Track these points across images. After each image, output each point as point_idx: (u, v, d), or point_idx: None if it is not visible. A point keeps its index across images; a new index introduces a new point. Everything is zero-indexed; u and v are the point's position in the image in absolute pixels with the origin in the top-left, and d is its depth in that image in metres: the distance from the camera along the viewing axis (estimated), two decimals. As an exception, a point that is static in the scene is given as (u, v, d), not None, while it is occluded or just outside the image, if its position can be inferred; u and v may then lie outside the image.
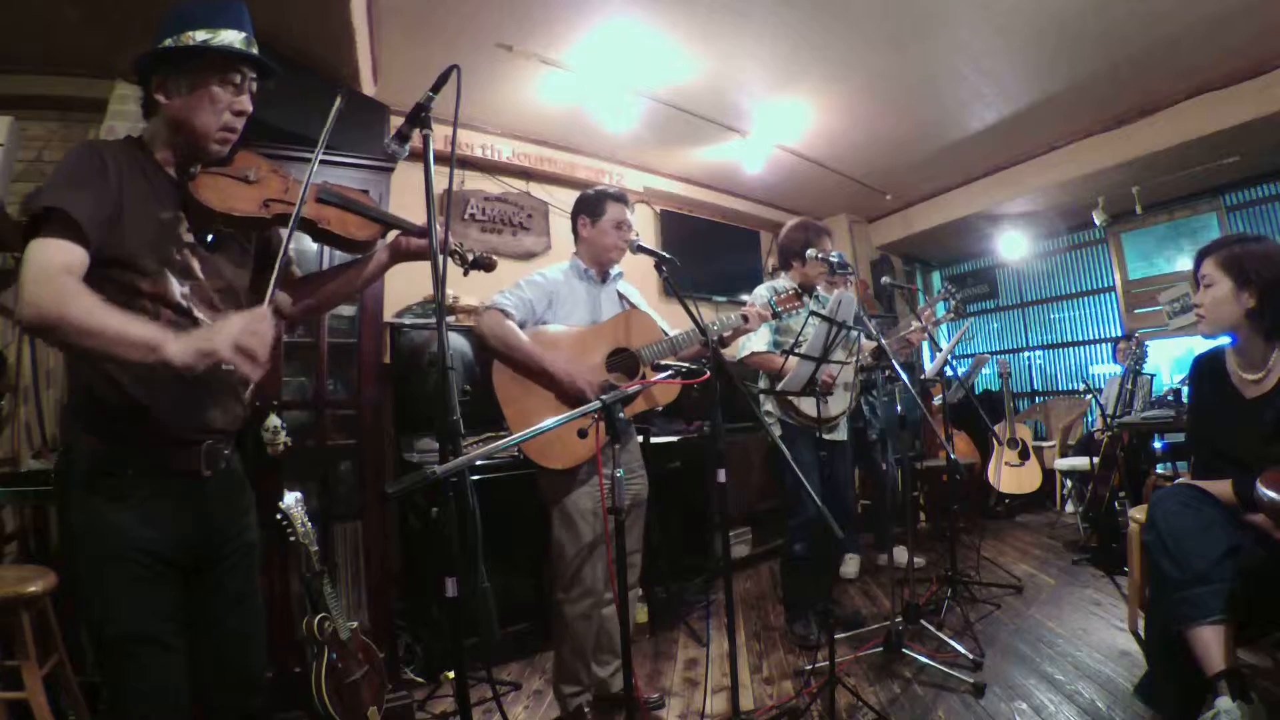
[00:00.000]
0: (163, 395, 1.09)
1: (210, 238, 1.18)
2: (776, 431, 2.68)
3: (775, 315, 2.23)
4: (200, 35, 1.10)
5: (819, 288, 2.83)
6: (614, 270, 2.21)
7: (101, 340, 0.96)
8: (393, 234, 1.41)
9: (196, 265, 1.15)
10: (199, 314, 1.15)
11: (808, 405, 2.55)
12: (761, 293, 2.74)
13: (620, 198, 2.17)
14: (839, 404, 2.69)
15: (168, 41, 1.10)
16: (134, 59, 1.13)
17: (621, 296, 2.22)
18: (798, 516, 2.66)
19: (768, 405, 2.71)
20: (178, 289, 1.12)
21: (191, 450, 1.13)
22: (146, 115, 1.17)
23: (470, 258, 1.43)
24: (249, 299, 1.26)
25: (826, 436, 2.69)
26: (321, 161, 2.39)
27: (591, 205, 2.16)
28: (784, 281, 2.82)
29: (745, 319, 2.15)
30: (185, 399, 1.12)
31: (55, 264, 0.97)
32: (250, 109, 1.18)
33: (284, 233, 1.14)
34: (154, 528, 1.08)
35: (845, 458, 2.91)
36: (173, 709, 1.07)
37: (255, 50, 1.16)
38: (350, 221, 1.29)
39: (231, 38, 1.12)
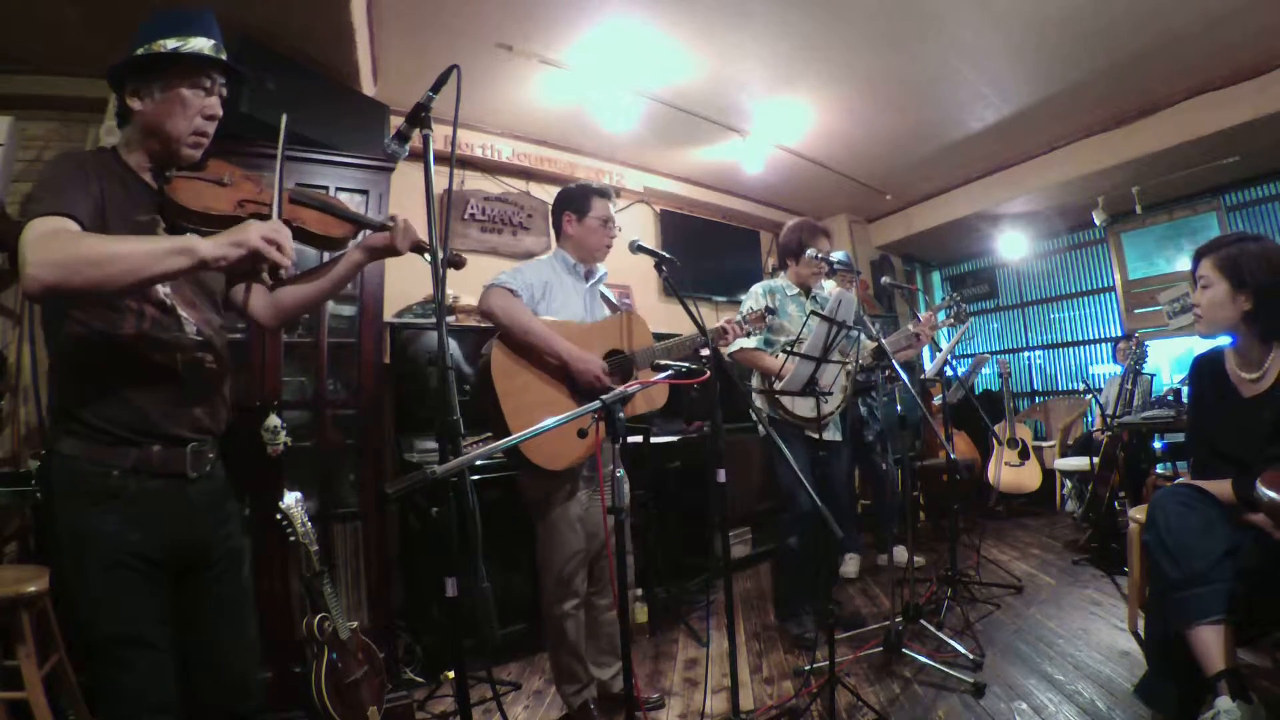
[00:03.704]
0: (149, 392, 1.10)
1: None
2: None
3: (747, 334, 2.25)
4: (171, 43, 1.15)
5: (829, 285, 2.83)
6: (599, 271, 2.20)
7: (130, 261, 0.97)
8: (364, 233, 1.43)
9: None
10: (181, 312, 1.17)
11: (797, 405, 2.54)
12: (756, 290, 2.77)
13: (604, 193, 2.15)
14: (830, 404, 2.67)
15: (139, 50, 1.14)
16: (108, 69, 1.16)
17: (604, 299, 2.22)
18: (790, 511, 2.66)
19: (757, 404, 2.71)
20: (160, 288, 1.14)
21: (177, 451, 1.14)
22: (121, 124, 1.19)
23: (440, 255, 1.43)
24: (223, 304, 1.30)
25: (819, 436, 2.68)
26: (323, 161, 2.42)
27: (577, 201, 2.13)
28: (780, 280, 2.83)
29: (724, 332, 2.15)
30: (171, 396, 1.13)
31: (52, 229, 0.98)
32: (220, 113, 1.22)
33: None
34: (141, 529, 1.08)
35: (840, 457, 2.91)
36: (161, 711, 1.07)
37: (224, 56, 1.20)
38: (323, 221, 1.33)
39: (201, 44, 1.17)
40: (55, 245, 0.95)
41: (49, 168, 1.10)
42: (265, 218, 1.15)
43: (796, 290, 2.80)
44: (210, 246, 1.02)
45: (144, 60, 1.14)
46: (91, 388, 1.07)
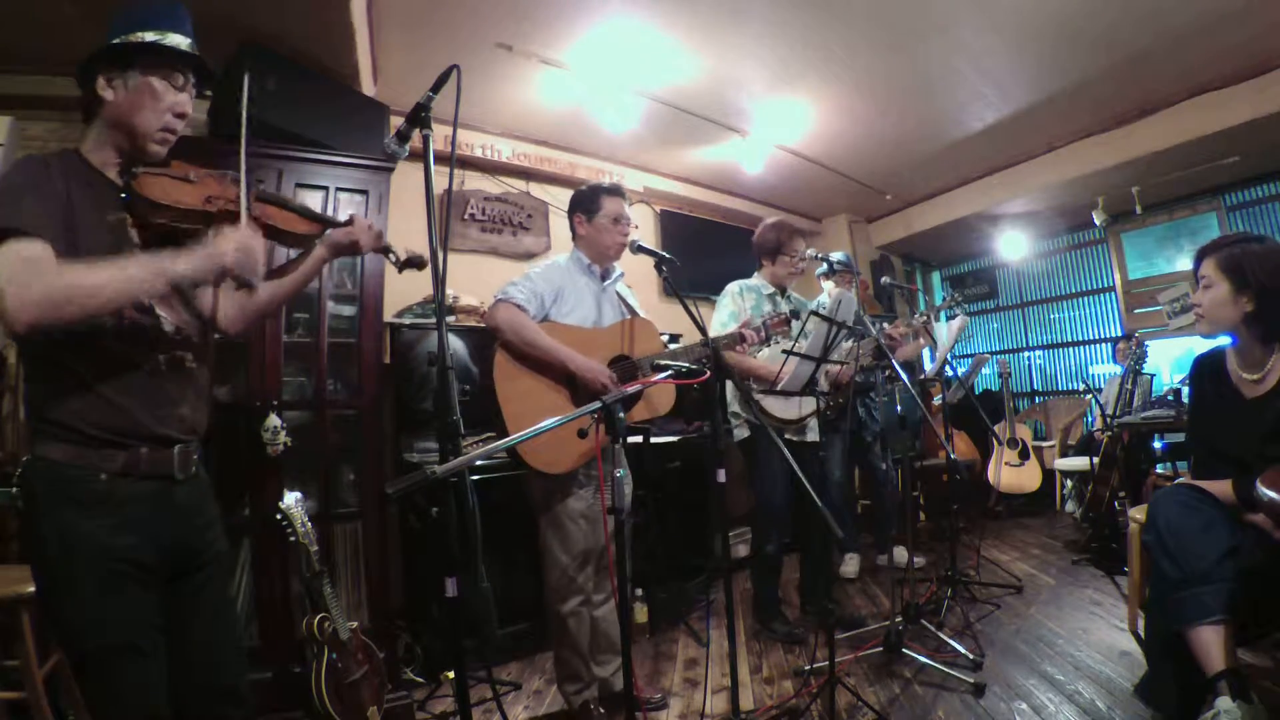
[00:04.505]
0: (132, 393, 1.09)
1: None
2: (744, 433, 2.66)
3: (766, 339, 2.21)
4: (149, 36, 1.15)
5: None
6: (615, 271, 2.20)
7: (109, 293, 0.99)
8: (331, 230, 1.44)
9: None
10: (160, 311, 1.16)
11: (773, 405, 2.51)
12: (732, 290, 2.73)
13: (614, 191, 2.15)
14: (808, 404, 2.62)
15: (115, 40, 1.14)
16: (83, 60, 1.15)
17: (621, 299, 2.21)
18: (766, 517, 2.66)
19: (734, 406, 2.68)
20: None
21: (165, 453, 1.13)
22: (86, 119, 1.18)
23: (404, 257, 1.46)
24: (193, 301, 1.28)
25: (796, 438, 2.65)
26: (323, 161, 2.42)
27: (586, 202, 2.13)
28: (755, 280, 2.80)
29: (742, 337, 2.14)
30: (154, 397, 1.12)
31: (26, 259, 0.97)
32: (190, 111, 1.21)
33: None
34: (131, 534, 1.06)
35: (832, 457, 2.89)
36: (155, 717, 1.06)
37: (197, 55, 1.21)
38: (290, 218, 1.34)
39: (178, 41, 1.18)
40: (34, 283, 0.95)
41: (12, 173, 1.08)
42: (234, 214, 1.16)
43: (772, 289, 2.76)
44: (185, 267, 1.04)
45: (120, 49, 1.14)
46: (72, 390, 1.05)
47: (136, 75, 1.14)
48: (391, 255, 1.45)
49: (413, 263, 1.47)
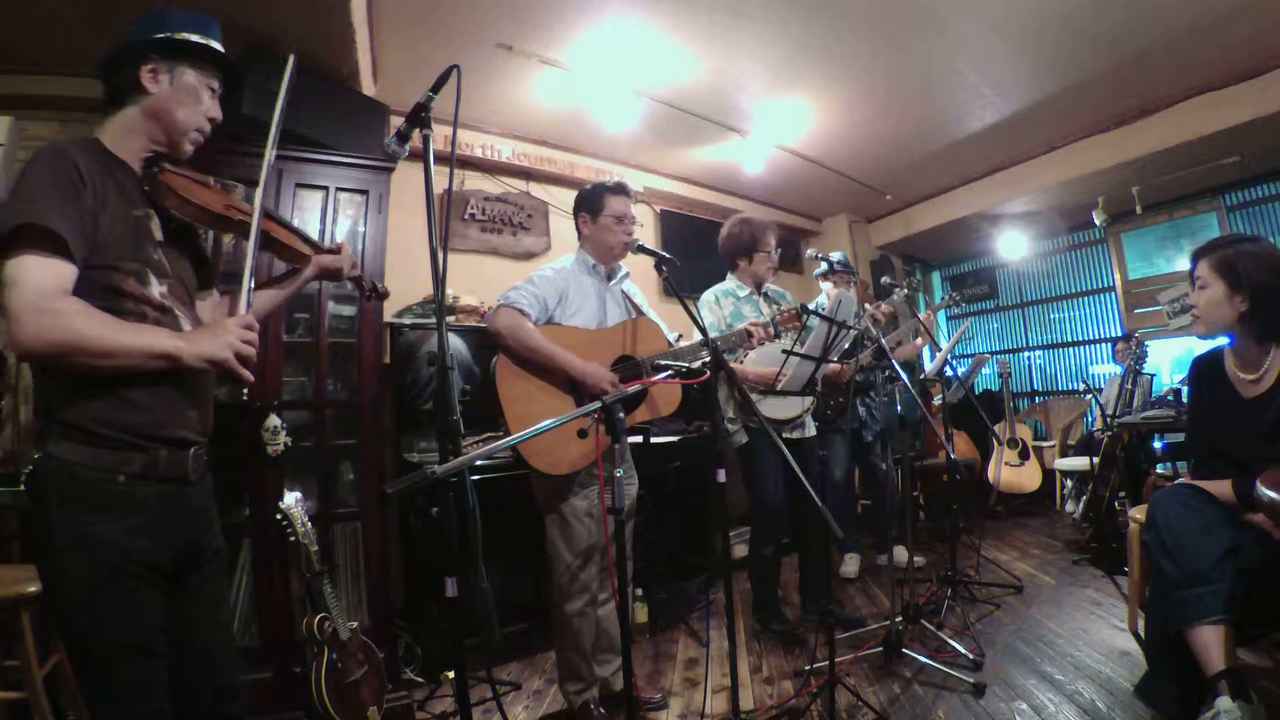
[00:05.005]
0: (151, 395, 1.09)
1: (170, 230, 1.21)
2: (741, 439, 2.64)
3: (776, 335, 2.19)
4: (195, 38, 1.17)
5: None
6: (620, 270, 2.20)
7: (118, 359, 1.00)
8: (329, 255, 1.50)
9: (168, 264, 1.17)
10: (178, 312, 1.16)
11: (767, 407, 2.50)
12: (708, 298, 2.69)
13: (618, 189, 2.14)
14: (804, 403, 2.63)
15: (159, 35, 1.15)
16: (130, 42, 1.15)
17: (627, 297, 2.21)
18: (763, 519, 2.66)
19: (728, 411, 2.65)
20: (157, 288, 1.13)
21: (181, 455, 1.13)
22: (111, 108, 1.17)
23: (377, 288, 1.62)
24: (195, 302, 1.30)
25: (791, 436, 2.64)
26: (323, 162, 2.43)
27: (590, 202, 2.13)
28: (730, 283, 2.77)
29: (749, 334, 2.13)
30: (172, 399, 1.12)
31: (49, 287, 0.96)
32: (219, 118, 1.24)
33: (235, 240, 1.22)
34: (146, 536, 1.06)
35: (834, 455, 2.89)
36: (157, 716, 1.06)
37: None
38: (289, 237, 1.40)
39: (218, 49, 1.21)
40: (57, 318, 0.96)
41: (36, 165, 1.04)
42: (246, 225, 1.19)
43: (749, 290, 2.73)
44: (192, 355, 1.05)
45: (172, 44, 1.15)
46: (89, 389, 1.03)
47: (184, 70, 1.16)
48: (365, 283, 1.57)
49: (377, 293, 1.62)
